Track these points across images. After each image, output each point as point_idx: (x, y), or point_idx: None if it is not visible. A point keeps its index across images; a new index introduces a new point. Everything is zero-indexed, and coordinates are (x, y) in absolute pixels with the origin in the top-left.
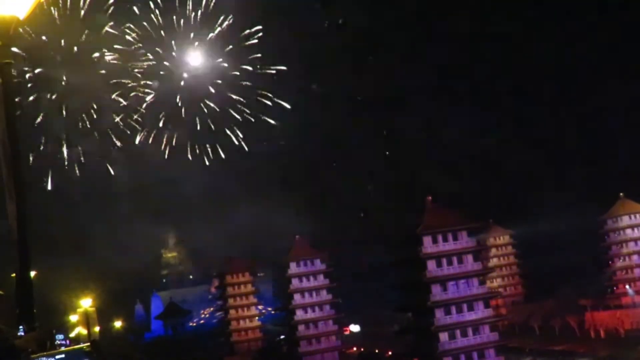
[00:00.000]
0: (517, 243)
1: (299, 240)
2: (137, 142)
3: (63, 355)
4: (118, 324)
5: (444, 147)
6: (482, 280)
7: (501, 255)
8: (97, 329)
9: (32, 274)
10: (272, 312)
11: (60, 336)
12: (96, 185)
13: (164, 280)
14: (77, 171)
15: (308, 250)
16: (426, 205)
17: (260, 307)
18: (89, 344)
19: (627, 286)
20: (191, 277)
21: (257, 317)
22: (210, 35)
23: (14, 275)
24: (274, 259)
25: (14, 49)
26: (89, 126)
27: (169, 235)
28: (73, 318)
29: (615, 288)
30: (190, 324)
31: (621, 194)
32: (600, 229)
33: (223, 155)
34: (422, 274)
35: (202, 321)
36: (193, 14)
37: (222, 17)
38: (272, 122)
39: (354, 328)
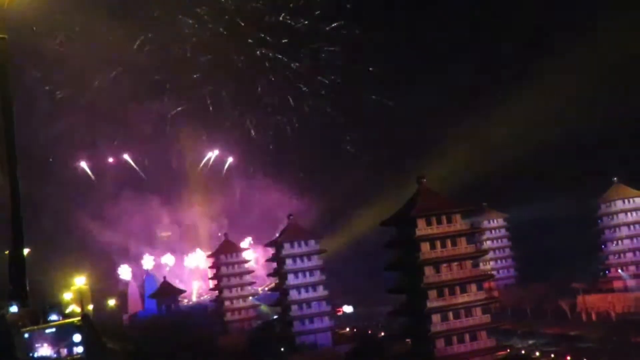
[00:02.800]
0: (510, 226)
1: (292, 221)
2: None
3: (54, 329)
4: (112, 302)
5: (440, 129)
6: (476, 263)
7: (495, 238)
8: (90, 307)
9: (26, 251)
10: (266, 291)
11: (54, 316)
12: None
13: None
14: None
15: (302, 231)
16: (420, 188)
17: (254, 286)
18: (79, 318)
19: (620, 270)
20: (186, 257)
21: (250, 297)
22: None
23: (7, 252)
24: (267, 239)
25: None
26: None
27: (163, 214)
28: (67, 296)
29: (607, 272)
30: (184, 303)
31: (615, 178)
32: (593, 213)
33: None
34: (415, 255)
35: (195, 300)
36: None
37: None
38: None
39: (347, 309)
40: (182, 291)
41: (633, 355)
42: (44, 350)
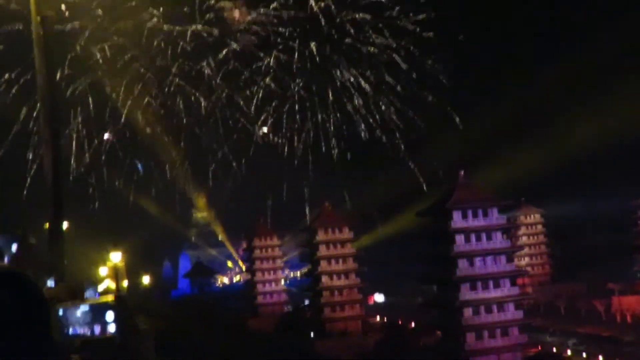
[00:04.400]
0: (547, 223)
1: (326, 207)
2: None
3: (88, 307)
4: (146, 280)
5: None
6: (510, 258)
7: (530, 234)
8: (125, 283)
9: (65, 225)
10: (298, 277)
11: (90, 292)
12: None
13: (193, 239)
14: None
15: (336, 218)
16: (458, 180)
17: (286, 271)
18: (113, 297)
19: None
20: (220, 237)
21: (282, 281)
22: None
23: (47, 225)
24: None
25: None
26: None
27: (200, 195)
28: (102, 271)
29: None
30: (217, 284)
31: None
32: (633, 213)
33: None
34: (449, 247)
35: (228, 282)
36: None
37: None
38: None
39: (379, 298)
40: (215, 272)
41: None
42: (78, 327)
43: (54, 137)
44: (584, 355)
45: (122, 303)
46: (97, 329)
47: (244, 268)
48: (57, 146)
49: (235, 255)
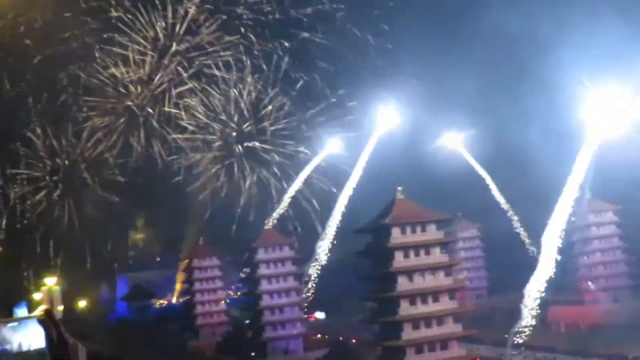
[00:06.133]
0: (484, 237)
1: (268, 229)
2: None
3: (17, 323)
4: (82, 303)
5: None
6: (448, 272)
7: (468, 248)
8: (60, 307)
9: None
10: (239, 296)
11: (21, 311)
12: None
13: (131, 262)
14: None
15: (276, 237)
16: (396, 197)
17: (227, 291)
18: (42, 313)
19: (590, 283)
20: (158, 259)
21: (222, 302)
22: None
23: None
24: (242, 244)
25: None
26: None
27: (138, 216)
28: (37, 296)
29: (578, 284)
30: (156, 306)
31: (588, 193)
32: (567, 226)
33: None
34: (389, 264)
35: (167, 303)
36: None
37: None
38: None
39: (320, 315)
40: (153, 294)
41: None
42: (7, 343)
43: None
44: None
45: (51, 319)
46: (27, 344)
47: (183, 289)
48: None
49: (176, 276)
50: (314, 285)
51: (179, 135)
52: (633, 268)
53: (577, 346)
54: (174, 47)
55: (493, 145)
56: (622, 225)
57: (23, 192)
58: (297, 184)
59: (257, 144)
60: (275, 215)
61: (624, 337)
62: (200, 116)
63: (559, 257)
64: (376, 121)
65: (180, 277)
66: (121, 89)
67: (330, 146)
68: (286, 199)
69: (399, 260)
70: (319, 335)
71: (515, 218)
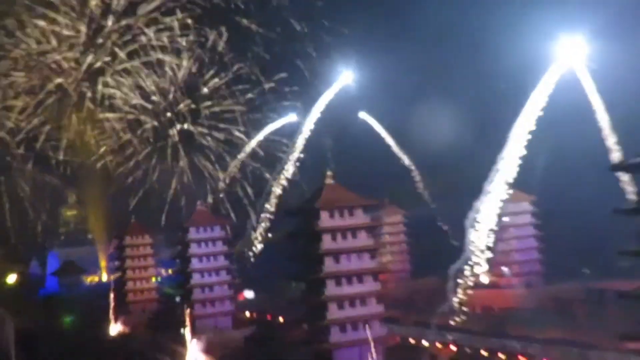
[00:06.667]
0: (408, 222)
1: (200, 208)
2: None
3: None
4: (12, 278)
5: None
6: (373, 255)
7: (392, 233)
8: None
9: None
10: (170, 274)
11: None
12: None
13: (62, 238)
14: None
15: (208, 217)
16: (326, 181)
17: (158, 269)
18: None
19: (505, 268)
20: (90, 236)
21: (153, 279)
22: None
23: None
24: (173, 225)
25: None
26: None
27: (70, 192)
28: None
29: (494, 270)
30: (86, 282)
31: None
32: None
33: None
34: (317, 246)
35: (97, 280)
36: None
37: None
38: None
39: (248, 294)
40: (84, 271)
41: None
42: None
43: None
44: (438, 345)
45: None
46: None
47: (115, 266)
48: None
49: (104, 254)
50: (244, 264)
51: (109, 114)
52: (544, 255)
53: (491, 328)
54: (109, 25)
55: (423, 137)
56: (537, 215)
57: None
58: (250, 146)
59: (191, 127)
60: (209, 197)
61: (534, 320)
62: (133, 96)
63: (478, 244)
64: (311, 109)
65: (102, 256)
66: (53, 66)
67: (289, 117)
68: (231, 168)
69: (327, 242)
70: (247, 314)
71: (439, 206)
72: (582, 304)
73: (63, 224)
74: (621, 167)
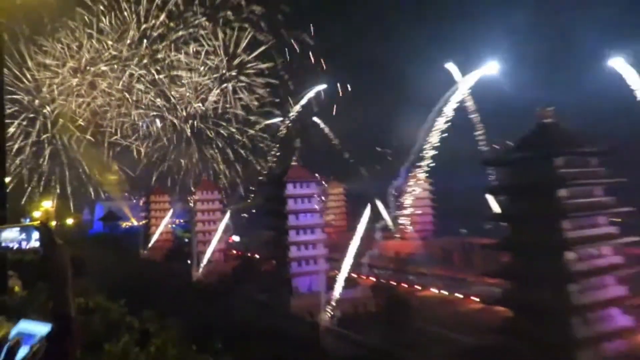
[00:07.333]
0: (347, 192)
1: (205, 179)
2: None
3: (18, 229)
4: (70, 221)
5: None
6: (321, 215)
7: (335, 200)
8: (53, 223)
9: (7, 179)
10: (182, 223)
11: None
12: None
13: (106, 194)
14: None
15: (210, 185)
16: (292, 162)
17: (173, 219)
18: (38, 222)
19: (409, 227)
20: (127, 193)
21: (170, 225)
22: None
23: None
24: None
25: None
26: None
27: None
28: (36, 214)
29: (402, 227)
30: (122, 226)
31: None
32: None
33: None
34: (284, 207)
35: (130, 225)
36: None
37: None
38: None
39: (236, 238)
40: (121, 217)
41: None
42: (10, 242)
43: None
44: (363, 277)
45: (46, 227)
46: (25, 244)
47: (142, 216)
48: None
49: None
50: (235, 218)
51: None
52: (436, 219)
53: (398, 266)
54: (143, 49)
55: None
56: (433, 192)
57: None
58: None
59: (201, 124)
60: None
61: (426, 262)
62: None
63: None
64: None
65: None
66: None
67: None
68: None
69: (290, 204)
70: (234, 251)
71: (370, 182)
72: (459, 252)
73: (107, 184)
74: (487, 161)
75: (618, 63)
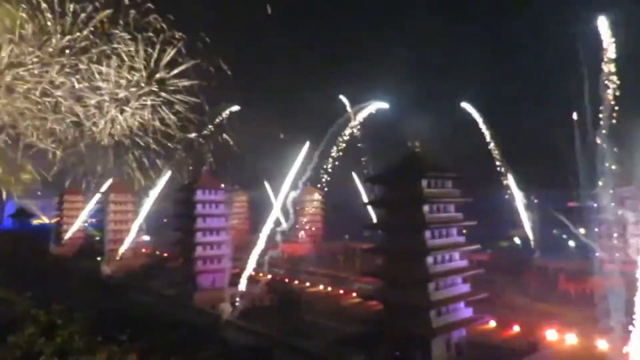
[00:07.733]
0: (250, 200)
1: (116, 180)
2: None
3: None
4: None
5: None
6: (227, 219)
7: (239, 206)
8: None
9: None
10: (94, 222)
11: None
12: None
13: (18, 193)
14: None
15: (122, 187)
16: (203, 172)
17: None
18: None
19: (301, 232)
20: (39, 192)
21: (83, 224)
22: None
23: None
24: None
25: None
26: None
27: (25, 163)
28: None
29: (297, 232)
30: (33, 223)
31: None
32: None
33: None
34: (193, 210)
35: (41, 222)
36: None
37: None
38: None
39: (146, 237)
40: (33, 215)
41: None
42: None
43: None
44: (261, 274)
45: None
46: None
47: (54, 214)
48: None
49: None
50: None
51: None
52: (325, 226)
53: (292, 266)
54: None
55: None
56: (323, 203)
57: None
58: None
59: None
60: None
61: (316, 262)
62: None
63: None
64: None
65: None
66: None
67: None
68: None
69: (199, 209)
70: (143, 250)
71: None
72: (343, 255)
73: (19, 184)
74: (369, 179)
75: (468, 107)
